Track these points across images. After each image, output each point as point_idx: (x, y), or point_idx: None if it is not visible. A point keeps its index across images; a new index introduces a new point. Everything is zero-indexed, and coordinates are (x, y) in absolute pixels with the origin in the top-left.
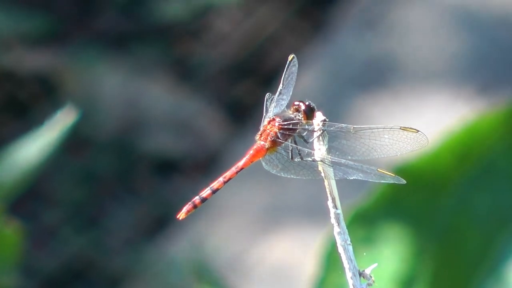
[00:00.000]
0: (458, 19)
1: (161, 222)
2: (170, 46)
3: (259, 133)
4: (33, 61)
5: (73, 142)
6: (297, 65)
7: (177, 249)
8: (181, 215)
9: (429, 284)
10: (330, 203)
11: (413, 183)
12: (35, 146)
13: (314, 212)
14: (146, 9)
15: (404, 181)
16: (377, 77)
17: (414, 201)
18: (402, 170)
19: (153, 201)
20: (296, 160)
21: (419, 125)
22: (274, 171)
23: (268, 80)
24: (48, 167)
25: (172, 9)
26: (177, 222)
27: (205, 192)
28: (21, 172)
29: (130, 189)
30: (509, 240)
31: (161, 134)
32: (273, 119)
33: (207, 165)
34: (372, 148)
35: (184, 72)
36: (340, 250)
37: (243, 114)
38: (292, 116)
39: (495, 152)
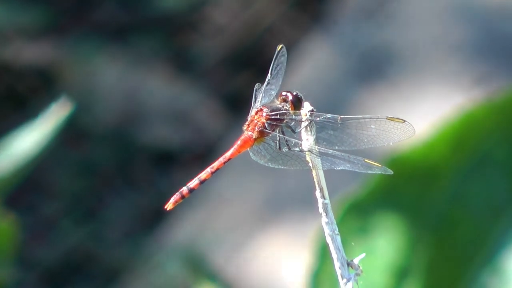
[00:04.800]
0: (456, 9)
1: (160, 214)
2: (168, 38)
3: (247, 123)
4: (31, 53)
5: (71, 134)
6: (286, 55)
7: (175, 241)
8: (169, 205)
9: (424, 275)
10: (318, 193)
11: (408, 174)
12: (31, 138)
13: (313, 203)
14: (144, 1)
15: (391, 172)
16: (375, 68)
17: (409, 192)
18: (397, 160)
19: (152, 193)
20: (283, 150)
21: (417, 115)
22: (262, 161)
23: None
24: (47, 159)
25: (170, 1)
26: (175, 214)
27: (193, 183)
28: (18, 164)
29: (129, 181)
30: (504, 230)
31: (160, 126)
32: (261, 109)
33: (206, 156)
34: (359, 138)
35: (183, 64)
36: (328, 240)
37: (241, 105)
38: (280, 106)
39: (490, 142)
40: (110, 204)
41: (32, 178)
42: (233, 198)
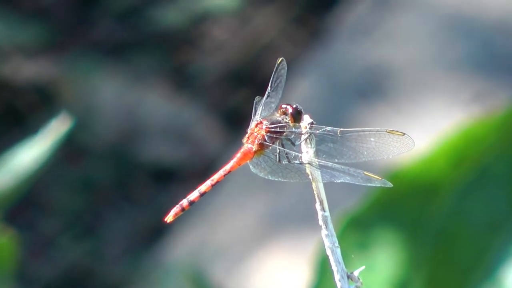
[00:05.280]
0: (454, 26)
1: (159, 231)
2: (167, 55)
3: (247, 136)
4: (30, 70)
5: (70, 151)
6: (286, 68)
7: (175, 257)
8: (169, 218)
9: None
10: (318, 206)
11: (408, 188)
12: (30, 154)
13: (313, 217)
14: (143, 18)
15: (391, 184)
16: (373, 84)
17: (408, 206)
18: (396, 175)
19: (151, 210)
20: (283, 163)
21: (416, 131)
22: (262, 174)
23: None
24: (46, 176)
25: (169, 18)
26: (174, 230)
27: (193, 195)
28: (17, 180)
29: (128, 197)
30: (503, 245)
31: (159, 143)
32: (260, 122)
33: (205, 173)
34: (359, 151)
35: (182, 81)
36: (328, 252)
37: (240, 122)
38: (280, 119)
39: (489, 157)
40: (109, 220)
41: (31, 195)
42: (233, 213)
